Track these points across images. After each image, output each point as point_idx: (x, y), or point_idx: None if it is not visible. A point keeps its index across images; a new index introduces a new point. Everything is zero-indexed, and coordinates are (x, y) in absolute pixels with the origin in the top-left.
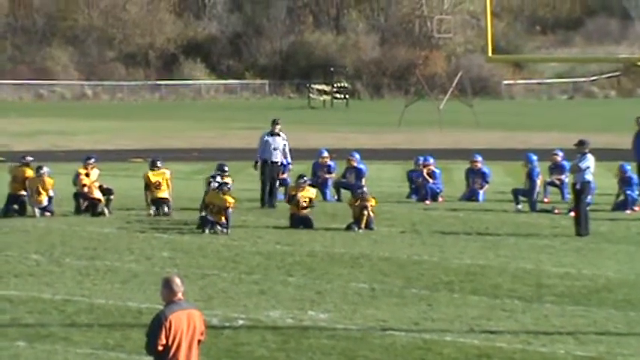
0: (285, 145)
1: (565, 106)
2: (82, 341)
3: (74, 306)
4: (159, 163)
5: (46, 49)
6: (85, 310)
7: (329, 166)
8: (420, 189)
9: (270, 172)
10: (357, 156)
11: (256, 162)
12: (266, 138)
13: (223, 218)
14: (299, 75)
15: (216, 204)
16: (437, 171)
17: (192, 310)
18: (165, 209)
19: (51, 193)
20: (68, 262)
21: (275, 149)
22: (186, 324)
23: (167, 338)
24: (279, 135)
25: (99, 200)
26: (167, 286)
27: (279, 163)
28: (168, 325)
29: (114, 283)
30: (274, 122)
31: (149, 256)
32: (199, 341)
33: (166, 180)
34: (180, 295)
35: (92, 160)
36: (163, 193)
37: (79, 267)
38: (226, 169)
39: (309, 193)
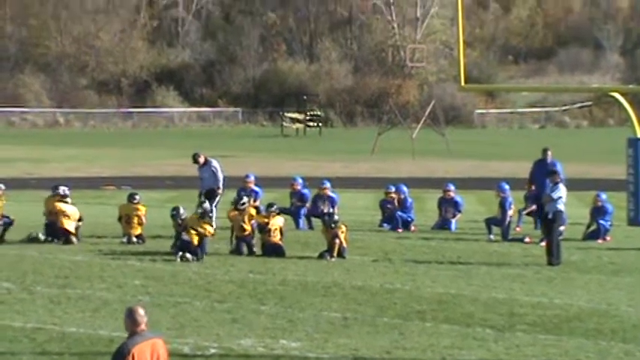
0: (213, 170)
1: (537, 136)
2: None
3: (45, 334)
4: (137, 197)
5: (18, 76)
6: (56, 338)
7: (302, 194)
8: (392, 218)
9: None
10: (328, 184)
11: (200, 193)
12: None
13: (196, 242)
14: (272, 103)
15: (195, 229)
16: (409, 200)
17: (155, 339)
18: (134, 239)
19: None
20: (39, 290)
21: (202, 179)
22: (150, 355)
23: None
24: (205, 164)
25: (69, 232)
26: (130, 316)
27: (214, 189)
28: (131, 358)
29: (85, 312)
30: (194, 157)
31: (121, 284)
32: None
33: (139, 216)
34: (143, 325)
35: (65, 190)
36: (135, 230)
37: (50, 295)
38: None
39: (279, 221)
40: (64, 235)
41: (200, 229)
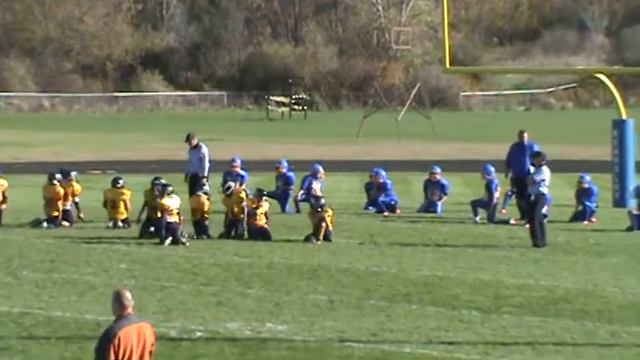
0: (201, 156)
1: (522, 118)
2: (40, 354)
3: (31, 319)
4: (120, 182)
5: (3, 60)
6: (42, 322)
7: (287, 177)
8: (377, 202)
9: (191, 185)
10: (321, 168)
11: (186, 175)
12: (188, 153)
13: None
14: (257, 86)
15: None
16: (389, 182)
17: (142, 323)
18: (120, 224)
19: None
20: (25, 274)
21: (190, 161)
22: (136, 339)
23: (116, 354)
24: (195, 147)
25: (54, 217)
26: (117, 300)
27: (199, 175)
28: (117, 342)
29: (71, 296)
30: (188, 137)
31: (107, 268)
32: (150, 352)
33: (124, 201)
34: (130, 309)
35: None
36: (121, 214)
37: (36, 279)
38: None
39: (264, 205)
40: (51, 222)
41: (196, 206)
